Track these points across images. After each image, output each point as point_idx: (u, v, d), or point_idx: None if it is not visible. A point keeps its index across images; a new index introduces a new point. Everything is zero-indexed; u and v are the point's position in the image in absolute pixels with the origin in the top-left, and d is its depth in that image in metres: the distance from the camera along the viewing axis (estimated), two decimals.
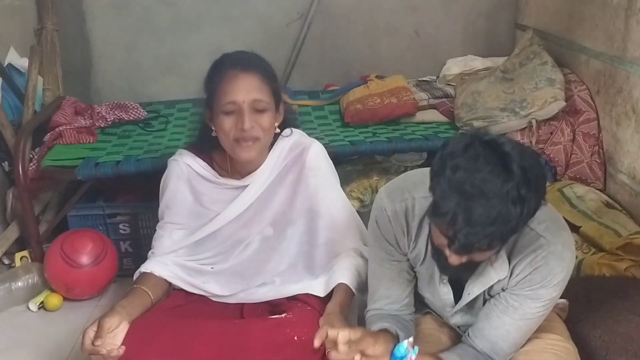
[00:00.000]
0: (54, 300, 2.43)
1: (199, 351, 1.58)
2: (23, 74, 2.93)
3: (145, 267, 1.81)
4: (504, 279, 1.45)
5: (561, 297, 1.72)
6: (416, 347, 1.39)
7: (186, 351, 1.57)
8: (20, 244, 2.71)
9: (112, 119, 2.95)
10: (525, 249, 1.41)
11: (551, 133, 2.65)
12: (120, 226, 2.64)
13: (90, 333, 1.57)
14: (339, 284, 1.76)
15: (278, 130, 1.81)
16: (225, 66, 1.73)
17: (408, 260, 1.56)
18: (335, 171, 1.92)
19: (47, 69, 3.03)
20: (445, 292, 1.53)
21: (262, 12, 3.45)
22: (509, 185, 1.20)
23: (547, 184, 2.62)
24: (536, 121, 2.62)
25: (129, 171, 2.48)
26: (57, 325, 2.34)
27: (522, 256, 1.42)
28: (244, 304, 1.86)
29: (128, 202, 2.66)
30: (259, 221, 1.86)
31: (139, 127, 2.96)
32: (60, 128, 2.72)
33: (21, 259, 2.62)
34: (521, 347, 1.52)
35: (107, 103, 3.06)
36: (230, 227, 1.85)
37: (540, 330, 1.54)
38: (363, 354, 1.39)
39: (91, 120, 2.88)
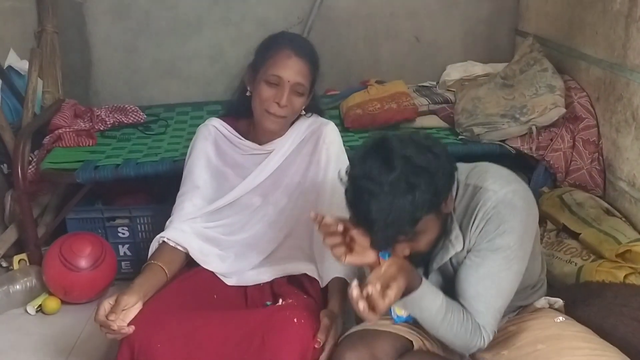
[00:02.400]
0: (52, 303, 2.43)
1: (204, 340, 1.62)
2: (23, 77, 2.92)
3: (163, 235, 1.87)
4: (462, 250, 1.53)
5: (557, 297, 1.76)
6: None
7: (192, 339, 1.62)
8: (19, 246, 2.70)
9: (111, 122, 2.95)
10: (475, 209, 1.50)
11: (551, 139, 2.65)
12: (119, 229, 2.63)
13: (106, 306, 1.63)
14: (337, 278, 1.81)
15: (303, 112, 1.98)
16: (283, 42, 1.87)
17: None
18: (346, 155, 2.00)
19: (46, 71, 3.02)
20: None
21: (262, 16, 3.44)
22: (392, 177, 1.34)
23: (547, 190, 2.64)
24: (536, 127, 2.62)
25: (128, 174, 2.48)
26: (55, 328, 2.33)
27: (473, 216, 1.50)
28: (247, 287, 1.92)
29: (127, 206, 2.65)
30: (276, 190, 1.96)
31: (138, 131, 2.95)
32: (60, 131, 2.72)
33: (19, 261, 2.61)
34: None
35: (107, 106, 3.06)
36: (249, 195, 1.96)
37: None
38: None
39: (90, 123, 2.88)
